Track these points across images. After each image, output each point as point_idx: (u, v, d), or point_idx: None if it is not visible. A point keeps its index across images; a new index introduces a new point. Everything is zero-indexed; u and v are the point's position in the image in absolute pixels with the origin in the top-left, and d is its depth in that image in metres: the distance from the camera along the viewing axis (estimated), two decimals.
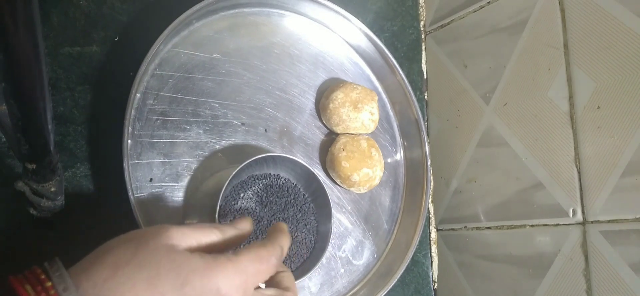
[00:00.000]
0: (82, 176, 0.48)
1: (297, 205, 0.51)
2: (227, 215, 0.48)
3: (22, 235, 0.44)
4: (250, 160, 0.46)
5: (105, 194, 0.48)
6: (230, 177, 0.45)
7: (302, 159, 0.50)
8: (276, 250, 0.35)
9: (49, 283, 0.27)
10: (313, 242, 0.52)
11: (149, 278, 0.28)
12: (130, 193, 0.45)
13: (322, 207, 0.51)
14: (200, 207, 0.49)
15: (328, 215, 0.50)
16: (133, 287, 0.28)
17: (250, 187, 0.50)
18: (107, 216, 0.48)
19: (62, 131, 0.48)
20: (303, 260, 0.51)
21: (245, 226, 0.37)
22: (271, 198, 0.50)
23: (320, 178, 0.50)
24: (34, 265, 0.29)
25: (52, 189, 0.40)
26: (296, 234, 0.51)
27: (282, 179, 0.51)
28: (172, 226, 0.32)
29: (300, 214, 0.51)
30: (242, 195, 0.49)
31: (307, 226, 0.51)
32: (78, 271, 0.29)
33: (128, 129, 0.47)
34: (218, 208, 0.44)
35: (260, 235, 0.49)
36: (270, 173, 0.51)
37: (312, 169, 0.49)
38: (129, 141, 0.47)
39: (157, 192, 0.48)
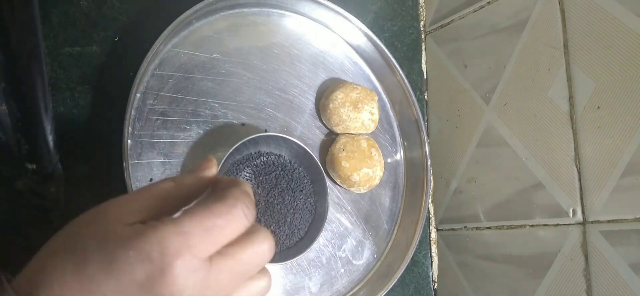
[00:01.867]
0: (82, 176, 0.48)
1: (289, 176, 0.53)
2: None
3: (22, 235, 0.44)
4: (243, 140, 0.47)
5: (105, 194, 0.48)
6: (225, 157, 0.46)
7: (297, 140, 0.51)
8: (239, 198, 0.27)
9: None
10: (313, 210, 0.53)
11: (76, 263, 0.25)
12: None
13: (316, 181, 0.53)
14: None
15: (323, 188, 0.52)
16: (61, 275, 0.25)
17: (245, 167, 0.51)
18: None
19: (62, 131, 0.48)
20: (304, 232, 0.53)
21: (208, 167, 0.31)
22: (265, 175, 0.52)
23: (311, 153, 0.51)
24: None
25: (52, 189, 0.40)
26: (295, 203, 0.52)
27: (273, 157, 0.52)
28: (111, 201, 0.28)
29: (294, 183, 0.52)
30: (236, 175, 0.50)
31: (304, 191, 0.53)
32: (23, 273, 0.26)
33: (128, 129, 0.47)
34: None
35: (258, 214, 0.50)
36: (262, 151, 0.52)
37: (304, 147, 0.51)
38: (129, 141, 0.47)
39: None
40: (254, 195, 0.50)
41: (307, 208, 0.53)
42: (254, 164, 0.51)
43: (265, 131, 0.55)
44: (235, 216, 0.27)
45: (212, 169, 0.31)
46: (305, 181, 0.53)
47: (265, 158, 0.52)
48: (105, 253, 0.25)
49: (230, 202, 0.27)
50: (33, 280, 0.25)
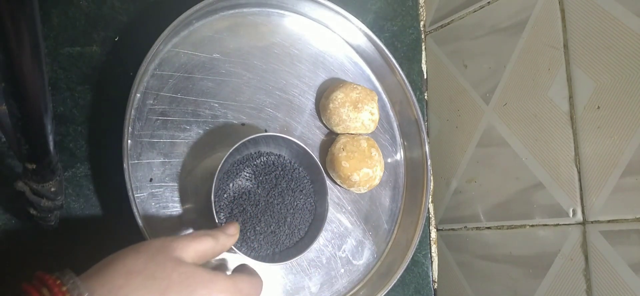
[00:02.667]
0: (82, 176, 0.48)
1: (289, 176, 0.52)
2: (222, 197, 0.49)
3: (22, 235, 0.44)
4: (243, 140, 0.47)
5: (105, 194, 0.48)
6: (225, 158, 0.47)
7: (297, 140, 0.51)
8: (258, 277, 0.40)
9: (65, 288, 0.29)
10: (313, 210, 0.53)
11: (161, 289, 0.32)
12: (130, 193, 0.45)
13: (316, 181, 0.53)
14: (195, 191, 0.50)
15: (323, 188, 0.52)
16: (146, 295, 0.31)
17: (245, 167, 0.51)
18: (107, 216, 0.48)
19: (62, 131, 0.48)
20: (304, 232, 0.52)
21: (233, 230, 0.41)
22: (265, 175, 0.51)
23: (311, 153, 0.51)
24: (40, 272, 0.31)
25: (52, 189, 0.40)
26: (295, 203, 0.52)
27: (273, 157, 0.52)
28: (174, 238, 0.36)
29: (294, 183, 0.52)
30: (236, 175, 0.50)
31: (304, 191, 0.53)
32: (91, 276, 0.32)
33: (128, 129, 0.47)
34: (213, 189, 0.46)
35: (259, 214, 0.50)
36: (262, 151, 0.52)
37: (304, 146, 0.50)
38: (129, 141, 0.47)
39: (157, 192, 0.48)
40: (254, 195, 0.50)
41: (307, 208, 0.53)
42: (254, 164, 0.51)
43: (265, 131, 0.55)
44: (261, 287, 0.40)
45: (237, 235, 0.42)
46: (305, 181, 0.53)
47: (265, 158, 0.52)
48: (187, 287, 0.33)
49: (258, 276, 0.41)
50: (116, 292, 0.30)
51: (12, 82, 0.28)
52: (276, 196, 0.51)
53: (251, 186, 0.50)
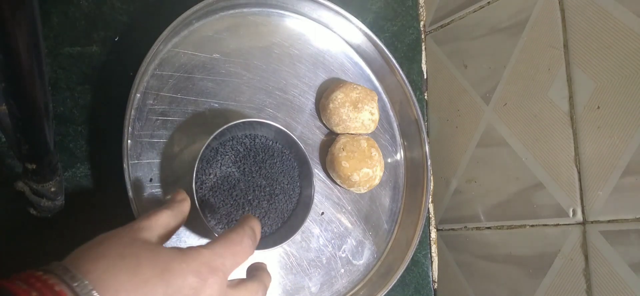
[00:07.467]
0: (82, 176, 0.48)
1: (275, 158, 0.52)
2: (205, 180, 0.49)
3: (22, 235, 0.44)
4: (225, 126, 0.47)
5: (105, 194, 0.48)
6: (203, 148, 0.47)
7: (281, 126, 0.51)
8: (246, 230, 0.37)
9: (39, 273, 0.29)
10: (297, 196, 0.52)
11: (130, 267, 0.30)
12: (130, 193, 0.45)
13: (302, 165, 0.52)
14: (176, 178, 0.50)
15: (309, 174, 0.51)
16: (116, 275, 0.30)
17: (227, 150, 0.50)
18: (107, 216, 0.48)
19: (62, 131, 0.48)
20: (288, 216, 0.52)
21: (181, 196, 0.39)
22: (248, 158, 0.51)
23: (295, 138, 0.51)
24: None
25: (52, 189, 0.40)
26: (280, 180, 0.51)
27: (258, 139, 0.52)
28: (136, 221, 0.35)
29: (280, 163, 0.52)
30: (219, 158, 0.49)
31: (289, 173, 0.52)
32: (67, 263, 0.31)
33: (128, 129, 0.47)
34: (194, 174, 0.46)
35: (241, 197, 0.49)
36: (246, 134, 0.51)
37: (286, 131, 0.50)
38: (129, 141, 0.47)
39: (157, 192, 0.48)
40: (238, 180, 0.49)
41: (294, 190, 0.52)
42: (237, 148, 0.50)
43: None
44: (246, 246, 0.36)
45: (187, 199, 0.39)
46: (293, 164, 0.53)
47: (255, 140, 0.51)
48: (157, 264, 0.31)
49: (241, 234, 0.37)
50: (85, 278, 0.29)
51: (12, 82, 0.28)
52: (261, 179, 0.51)
53: (234, 170, 0.50)
